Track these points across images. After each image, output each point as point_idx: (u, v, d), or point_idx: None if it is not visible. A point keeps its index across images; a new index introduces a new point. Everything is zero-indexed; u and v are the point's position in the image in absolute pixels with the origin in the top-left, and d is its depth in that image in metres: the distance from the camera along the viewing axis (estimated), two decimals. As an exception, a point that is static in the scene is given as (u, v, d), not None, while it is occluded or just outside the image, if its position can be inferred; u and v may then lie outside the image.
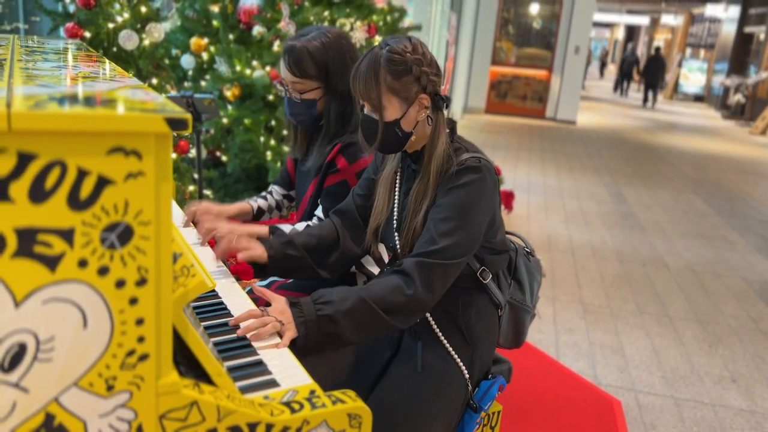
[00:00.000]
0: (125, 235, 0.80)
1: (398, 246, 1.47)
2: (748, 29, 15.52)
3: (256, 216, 1.96)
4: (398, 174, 1.52)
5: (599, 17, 24.27)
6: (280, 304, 1.29)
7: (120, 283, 0.81)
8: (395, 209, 1.50)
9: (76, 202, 0.76)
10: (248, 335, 1.19)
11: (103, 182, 0.77)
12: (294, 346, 1.22)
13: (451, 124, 1.46)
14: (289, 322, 1.24)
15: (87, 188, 0.76)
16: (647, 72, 15.60)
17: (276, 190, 2.05)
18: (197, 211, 1.74)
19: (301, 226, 1.72)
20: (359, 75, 1.38)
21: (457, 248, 1.33)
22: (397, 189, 1.52)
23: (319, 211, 1.78)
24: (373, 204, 1.55)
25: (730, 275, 4.18)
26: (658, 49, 16.28)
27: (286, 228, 1.68)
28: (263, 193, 2.04)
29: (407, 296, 1.30)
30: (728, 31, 16.54)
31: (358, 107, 1.47)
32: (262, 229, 1.63)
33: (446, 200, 1.36)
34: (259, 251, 1.49)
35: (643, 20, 26.63)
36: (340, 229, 1.59)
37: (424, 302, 1.33)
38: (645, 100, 15.78)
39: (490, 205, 1.39)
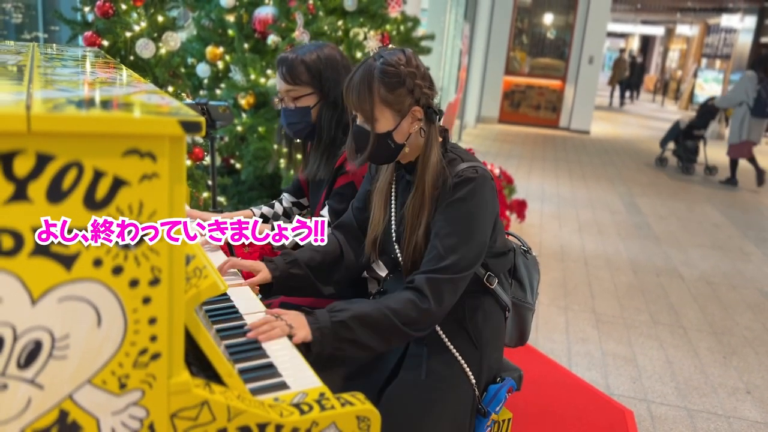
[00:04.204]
0: (139, 235, 0.81)
1: (399, 257, 1.48)
2: (764, 39, 15.40)
3: None
4: (393, 185, 1.53)
5: (613, 27, 24.16)
6: (294, 312, 1.30)
7: (134, 283, 0.83)
8: (392, 221, 1.51)
9: (92, 203, 0.78)
10: (258, 337, 1.21)
11: (118, 183, 0.79)
12: (309, 354, 1.22)
13: (443, 133, 1.46)
14: (302, 326, 1.25)
15: (103, 189, 0.78)
16: (631, 75, 18.75)
17: (286, 197, 2.08)
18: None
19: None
20: (352, 86, 1.38)
21: (465, 261, 1.35)
22: (392, 200, 1.53)
23: (325, 212, 1.80)
24: (369, 215, 1.56)
25: (746, 286, 4.13)
26: (634, 57, 20.18)
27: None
28: (272, 201, 2.06)
29: (421, 310, 1.32)
30: (744, 41, 16.41)
31: (350, 117, 1.48)
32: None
33: (448, 214, 1.37)
34: (262, 276, 1.49)
35: (658, 30, 26.49)
36: (344, 243, 1.60)
37: (437, 316, 1.36)
38: (623, 97, 18.85)
39: (491, 213, 1.41)
